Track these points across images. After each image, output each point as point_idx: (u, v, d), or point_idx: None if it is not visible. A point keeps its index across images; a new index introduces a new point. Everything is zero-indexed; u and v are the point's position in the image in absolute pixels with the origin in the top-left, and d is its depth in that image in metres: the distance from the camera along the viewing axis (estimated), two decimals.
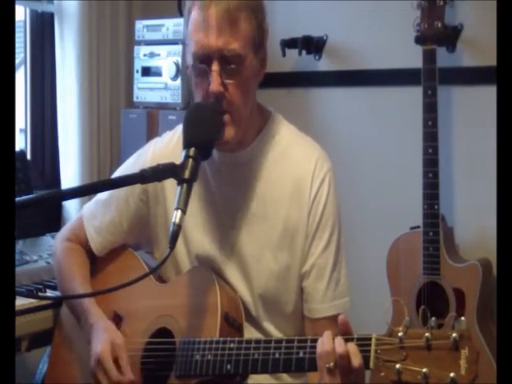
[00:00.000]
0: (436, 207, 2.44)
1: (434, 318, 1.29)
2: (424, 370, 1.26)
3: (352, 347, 1.36)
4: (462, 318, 1.28)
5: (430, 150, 2.46)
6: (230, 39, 1.54)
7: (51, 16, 2.99)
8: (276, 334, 1.69)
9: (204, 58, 1.54)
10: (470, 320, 2.37)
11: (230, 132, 1.58)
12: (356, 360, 1.34)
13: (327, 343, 1.38)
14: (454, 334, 1.25)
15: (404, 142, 2.77)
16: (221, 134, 1.56)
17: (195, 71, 1.58)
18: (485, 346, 2.35)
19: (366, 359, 1.34)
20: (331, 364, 1.36)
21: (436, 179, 2.45)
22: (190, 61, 1.59)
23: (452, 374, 1.24)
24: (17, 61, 3.05)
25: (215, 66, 1.54)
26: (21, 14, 3.02)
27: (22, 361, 2.40)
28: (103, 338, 1.62)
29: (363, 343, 1.35)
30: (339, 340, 1.37)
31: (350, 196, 2.68)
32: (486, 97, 2.47)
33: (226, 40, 1.54)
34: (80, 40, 2.91)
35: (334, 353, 1.36)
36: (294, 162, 1.68)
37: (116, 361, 1.59)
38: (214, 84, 1.54)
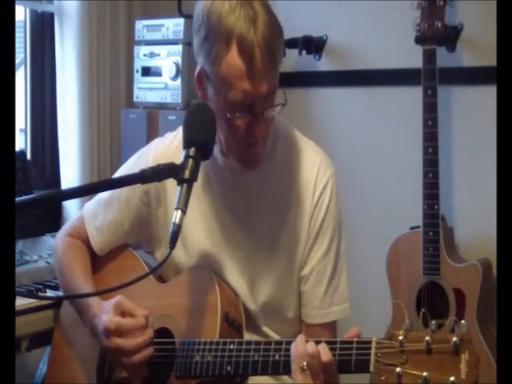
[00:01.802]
0: (436, 207, 2.44)
1: (434, 322, 1.29)
2: (424, 373, 1.26)
3: (322, 346, 1.38)
4: (463, 322, 1.28)
5: (430, 150, 2.45)
6: (274, 79, 1.50)
7: (51, 16, 2.99)
8: (276, 338, 1.68)
9: (247, 105, 1.49)
10: (470, 320, 2.36)
11: (261, 156, 1.60)
12: (325, 356, 1.36)
13: (300, 345, 1.40)
14: (455, 338, 1.25)
15: (404, 141, 2.77)
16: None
17: (234, 119, 1.50)
18: (485, 346, 2.35)
19: (366, 363, 1.34)
20: (304, 363, 1.37)
21: (436, 179, 2.45)
22: (222, 103, 1.50)
23: (452, 378, 1.23)
24: (17, 61, 3.05)
25: (260, 110, 1.50)
26: (21, 14, 3.02)
27: (22, 361, 2.40)
28: (105, 312, 1.60)
29: (363, 346, 1.35)
30: (311, 342, 1.39)
31: (349, 196, 2.67)
32: (486, 97, 2.47)
33: (272, 82, 1.49)
34: (80, 40, 2.91)
35: (307, 354, 1.37)
36: (297, 166, 1.67)
37: (123, 315, 1.58)
38: (261, 127, 1.51)
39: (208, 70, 1.52)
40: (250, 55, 1.45)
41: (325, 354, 1.37)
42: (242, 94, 1.47)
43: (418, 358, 1.28)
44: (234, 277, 1.68)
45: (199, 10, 1.53)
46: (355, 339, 1.38)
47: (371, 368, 1.33)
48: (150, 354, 1.56)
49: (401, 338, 1.30)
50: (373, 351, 1.33)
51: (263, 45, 1.45)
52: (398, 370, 1.28)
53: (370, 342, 1.35)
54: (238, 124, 1.51)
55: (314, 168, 1.67)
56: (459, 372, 1.24)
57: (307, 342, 1.40)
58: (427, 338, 1.27)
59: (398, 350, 1.30)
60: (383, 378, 1.30)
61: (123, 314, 1.58)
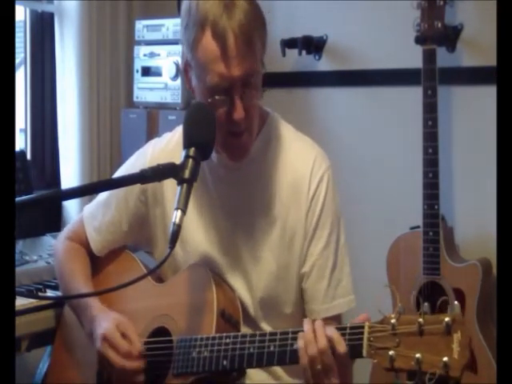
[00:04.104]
0: (436, 207, 2.44)
1: (426, 304, 1.30)
2: (417, 355, 1.26)
3: (335, 334, 1.38)
4: (456, 303, 1.29)
5: (430, 150, 2.46)
6: (250, 63, 1.51)
7: (51, 16, 2.99)
8: None
9: (225, 89, 1.50)
10: (470, 320, 2.36)
11: (248, 148, 1.60)
12: (341, 347, 1.36)
13: (308, 333, 1.40)
14: (447, 319, 1.25)
15: (404, 141, 2.77)
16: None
17: (213, 102, 1.51)
18: (485, 346, 2.35)
19: (359, 347, 1.34)
20: (319, 367, 1.37)
21: (436, 179, 2.45)
22: (202, 89, 1.53)
23: (445, 359, 1.24)
24: (17, 61, 3.05)
25: (237, 94, 1.51)
26: (21, 14, 3.02)
27: (22, 361, 2.40)
28: (107, 319, 1.62)
29: (356, 331, 1.36)
30: (318, 338, 1.38)
31: (349, 196, 2.68)
32: (486, 97, 2.47)
33: (248, 66, 1.50)
34: (80, 40, 2.91)
35: (319, 351, 1.37)
36: (292, 161, 1.67)
37: (123, 336, 1.59)
38: (239, 112, 1.51)
39: (189, 58, 1.55)
40: (222, 38, 1.47)
41: (339, 344, 1.37)
42: (217, 78, 1.49)
43: (411, 340, 1.28)
44: (232, 273, 1.68)
45: (185, 4, 1.56)
46: (348, 325, 1.38)
47: (364, 353, 1.33)
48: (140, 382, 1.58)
49: (393, 321, 1.30)
50: (365, 335, 1.34)
51: (237, 28, 1.47)
52: (390, 353, 1.29)
53: (362, 327, 1.35)
54: (220, 111, 1.52)
55: (309, 162, 1.67)
56: (452, 352, 1.24)
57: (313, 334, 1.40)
58: (419, 319, 1.27)
59: (391, 333, 1.30)
60: (376, 361, 1.31)
61: (123, 334, 1.60)
